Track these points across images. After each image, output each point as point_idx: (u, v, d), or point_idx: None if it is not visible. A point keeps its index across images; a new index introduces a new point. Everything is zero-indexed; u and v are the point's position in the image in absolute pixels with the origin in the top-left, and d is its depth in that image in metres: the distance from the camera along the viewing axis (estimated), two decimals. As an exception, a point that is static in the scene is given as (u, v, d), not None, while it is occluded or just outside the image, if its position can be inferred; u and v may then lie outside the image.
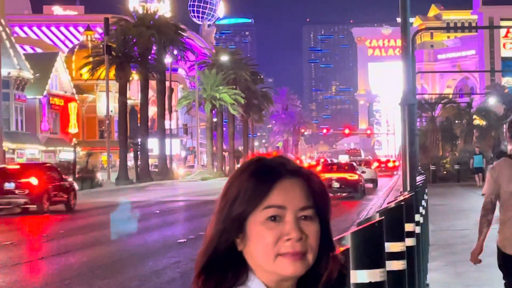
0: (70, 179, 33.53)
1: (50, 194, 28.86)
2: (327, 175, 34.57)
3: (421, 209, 10.81)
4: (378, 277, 3.83)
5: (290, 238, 1.62)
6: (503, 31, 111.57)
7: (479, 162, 42.05)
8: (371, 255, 3.79)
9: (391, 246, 5.18)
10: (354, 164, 39.53)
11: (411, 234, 6.86)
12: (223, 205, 1.67)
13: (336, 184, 34.62)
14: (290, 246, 1.62)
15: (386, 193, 39.04)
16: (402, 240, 5.42)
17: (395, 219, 5.34)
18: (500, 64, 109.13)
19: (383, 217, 4.34)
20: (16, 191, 28.03)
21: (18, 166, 31.29)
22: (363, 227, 3.79)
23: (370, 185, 43.39)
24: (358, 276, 3.76)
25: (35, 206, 28.36)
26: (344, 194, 34.91)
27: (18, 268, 14.88)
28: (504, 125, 9.71)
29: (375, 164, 60.90)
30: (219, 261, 1.65)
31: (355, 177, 35.50)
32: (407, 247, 5.75)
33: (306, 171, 1.72)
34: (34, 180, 28.20)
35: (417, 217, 8.79)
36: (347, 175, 35.45)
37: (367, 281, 3.80)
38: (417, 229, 8.48)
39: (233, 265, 1.65)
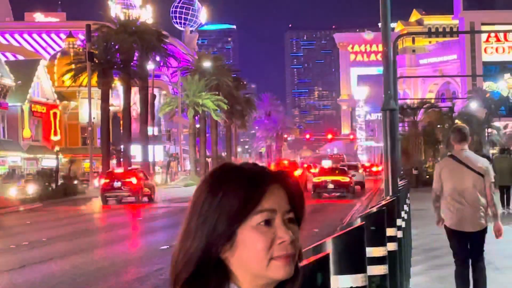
0: (152, 179, 45.66)
1: (143, 190, 40.31)
2: (323, 178, 41.32)
3: (403, 214, 10.83)
4: (360, 282, 3.83)
5: (284, 241, 1.63)
6: (484, 36, 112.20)
7: None
8: (352, 260, 3.79)
9: (373, 251, 5.18)
10: (346, 168, 44.89)
11: (393, 238, 6.87)
12: (208, 216, 1.63)
13: (331, 185, 40.87)
14: (284, 249, 1.62)
15: (370, 197, 39.11)
16: (384, 244, 5.42)
17: (377, 224, 5.35)
18: (482, 68, 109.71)
19: (364, 222, 4.35)
20: (122, 187, 39.81)
21: (122, 170, 43.05)
22: (344, 232, 3.80)
23: (358, 187, 47.75)
24: (340, 281, 3.76)
25: (134, 198, 40.52)
26: (337, 194, 40.91)
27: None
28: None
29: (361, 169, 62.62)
30: (200, 272, 1.63)
31: (347, 179, 41.44)
32: (389, 251, 5.76)
33: (286, 174, 1.70)
34: (134, 180, 39.67)
35: (399, 222, 8.79)
36: (340, 178, 41.28)
37: (348, 286, 3.80)
38: (399, 234, 8.49)
39: (214, 275, 1.63)
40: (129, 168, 47.38)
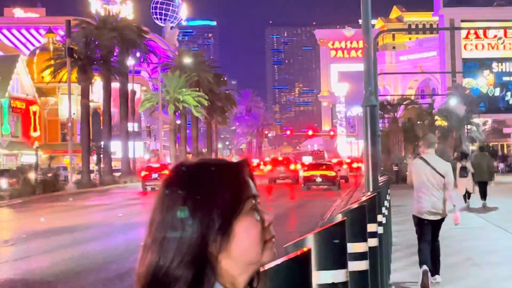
0: None
1: None
2: (312, 172, 46.48)
3: (383, 210, 10.86)
4: (342, 277, 3.84)
5: (270, 222, 1.65)
6: (463, 33, 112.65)
7: None
8: (334, 255, 3.80)
9: (354, 247, 5.20)
10: (332, 164, 50.78)
11: (373, 234, 6.89)
12: (198, 215, 1.59)
13: (319, 179, 45.79)
14: (271, 231, 1.65)
15: (350, 193, 39.21)
16: (365, 240, 5.44)
17: (357, 220, 5.36)
18: (461, 65, 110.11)
19: (346, 217, 4.35)
20: (158, 178, 46.89)
21: (158, 165, 52.25)
22: (325, 228, 3.80)
23: (342, 181, 51.95)
24: (321, 277, 3.77)
25: None
26: (325, 187, 45.42)
27: None
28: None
29: (345, 165, 65.90)
30: (191, 270, 1.58)
31: (333, 174, 46.40)
32: (370, 247, 5.78)
33: (247, 162, 1.71)
34: (167, 172, 45.22)
35: (380, 218, 8.82)
36: (327, 172, 46.21)
37: (330, 281, 3.81)
38: (380, 230, 8.52)
39: (200, 274, 1.59)
40: (162, 163, 56.78)
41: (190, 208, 1.59)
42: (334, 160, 65.59)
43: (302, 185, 46.76)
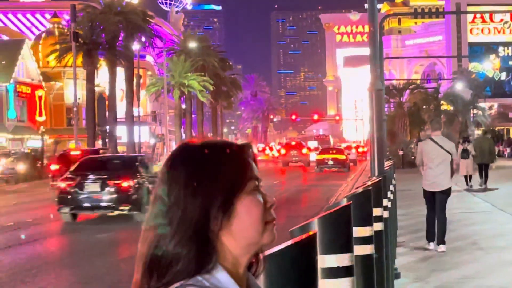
0: None
1: None
2: (324, 156, 51.71)
3: (389, 194, 10.86)
4: (347, 261, 3.84)
5: (272, 204, 1.67)
6: (470, 17, 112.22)
7: None
8: (339, 240, 3.80)
9: (359, 231, 5.19)
10: (342, 148, 56.32)
11: (379, 218, 6.89)
12: (199, 195, 1.61)
13: (331, 162, 50.65)
14: (273, 212, 1.67)
15: (355, 178, 39.23)
16: (370, 224, 5.43)
17: (363, 204, 5.36)
18: (467, 49, 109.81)
19: (351, 201, 4.35)
20: None
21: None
22: (331, 212, 3.80)
23: (351, 164, 56.18)
24: (326, 261, 3.77)
25: None
26: (336, 169, 49.85)
27: None
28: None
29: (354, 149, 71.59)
30: (193, 248, 1.59)
31: (343, 157, 51.57)
32: (375, 231, 5.78)
33: (250, 145, 1.73)
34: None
35: (385, 202, 8.83)
36: (338, 156, 51.48)
37: (335, 265, 3.81)
38: (385, 214, 8.52)
39: (201, 253, 1.60)
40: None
41: (192, 185, 1.61)
42: (343, 145, 71.38)
43: (315, 167, 51.77)
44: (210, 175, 1.63)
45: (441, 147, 12.91)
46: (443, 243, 12.79)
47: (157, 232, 1.61)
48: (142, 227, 1.64)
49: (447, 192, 12.98)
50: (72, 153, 34.96)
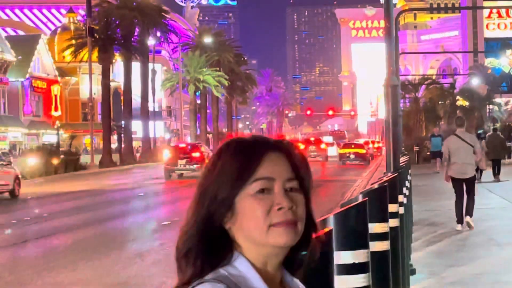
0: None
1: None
2: (347, 150, 55.40)
3: (404, 190, 10.84)
4: (362, 258, 3.84)
5: (282, 207, 1.64)
6: (486, 12, 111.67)
7: (437, 146, 35.96)
8: (355, 236, 3.80)
9: (375, 227, 5.19)
10: (362, 143, 59.26)
11: (394, 214, 6.87)
12: (208, 186, 1.66)
13: (352, 156, 54.44)
14: (283, 215, 1.64)
15: (370, 173, 39.16)
16: (386, 221, 5.42)
17: (378, 200, 5.35)
18: (483, 44, 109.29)
19: (367, 198, 4.34)
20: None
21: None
22: (347, 208, 3.79)
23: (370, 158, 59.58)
24: (342, 257, 3.77)
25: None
26: (357, 162, 53.32)
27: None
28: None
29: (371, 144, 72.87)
30: (205, 242, 1.65)
31: (364, 151, 55.38)
32: (390, 227, 5.77)
33: (287, 144, 1.72)
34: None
35: (401, 198, 8.80)
36: (359, 150, 55.26)
37: (351, 262, 3.81)
38: (401, 210, 8.50)
39: (219, 244, 1.65)
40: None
41: (205, 177, 1.68)
42: (361, 140, 73.59)
43: (338, 160, 55.83)
44: (217, 171, 1.67)
45: (465, 141, 14.88)
46: (471, 215, 14.91)
47: (184, 222, 1.71)
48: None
49: (472, 179, 15.07)
50: (180, 145, 44.89)
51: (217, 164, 1.68)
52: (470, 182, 15.07)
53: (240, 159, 1.66)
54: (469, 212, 14.96)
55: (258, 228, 1.63)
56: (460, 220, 14.98)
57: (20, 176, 30.31)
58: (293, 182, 1.67)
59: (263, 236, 1.63)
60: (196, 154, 40.54)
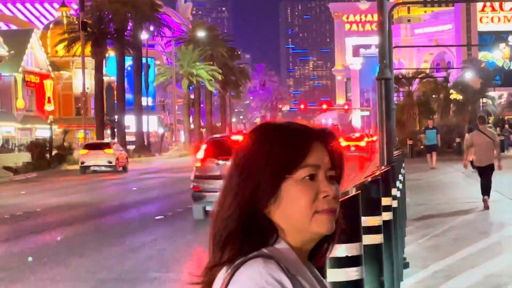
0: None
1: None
2: (347, 143, 60.65)
3: (398, 183, 10.83)
4: (356, 251, 3.82)
5: (327, 195, 1.65)
6: (479, 5, 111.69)
7: (433, 139, 34.30)
8: (348, 229, 3.76)
9: (368, 220, 5.17)
10: (362, 137, 65.76)
11: (388, 208, 6.86)
12: (253, 170, 1.65)
13: (353, 148, 59.90)
14: (327, 203, 1.65)
15: (363, 167, 39.19)
16: (379, 214, 5.40)
17: (372, 193, 5.33)
18: (477, 38, 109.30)
19: (360, 191, 4.31)
20: None
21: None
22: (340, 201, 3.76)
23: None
24: (335, 250, 3.74)
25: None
26: (357, 153, 55.06)
27: None
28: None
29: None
30: (247, 225, 1.65)
31: (364, 144, 61.11)
32: (384, 221, 5.75)
33: (328, 132, 1.74)
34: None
35: (394, 191, 8.79)
36: (359, 143, 61.71)
37: (344, 255, 3.78)
38: (394, 203, 8.48)
39: (261, 227, 1.65)
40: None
41: (248, 162, 1.67)
42: (357, 134, 78.11)
43: None
44: (262, 155, 1.66)
45: (486, 135, 17.57)
46: (488, 195, 17.52)
47: (219, 207, 1.68)
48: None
49: (490, 167, 17.65)
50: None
51: (263, 149, 1.66)
52: (489, 170, 17.70)
53: (291, 145, 1.66)
54: (487, 192, 17.73)
55: (302, 214, 1.64)
56: (485, 193, 17.66)
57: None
58: (333, 171, 1.69)
59: (307, 222, 1.64)
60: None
